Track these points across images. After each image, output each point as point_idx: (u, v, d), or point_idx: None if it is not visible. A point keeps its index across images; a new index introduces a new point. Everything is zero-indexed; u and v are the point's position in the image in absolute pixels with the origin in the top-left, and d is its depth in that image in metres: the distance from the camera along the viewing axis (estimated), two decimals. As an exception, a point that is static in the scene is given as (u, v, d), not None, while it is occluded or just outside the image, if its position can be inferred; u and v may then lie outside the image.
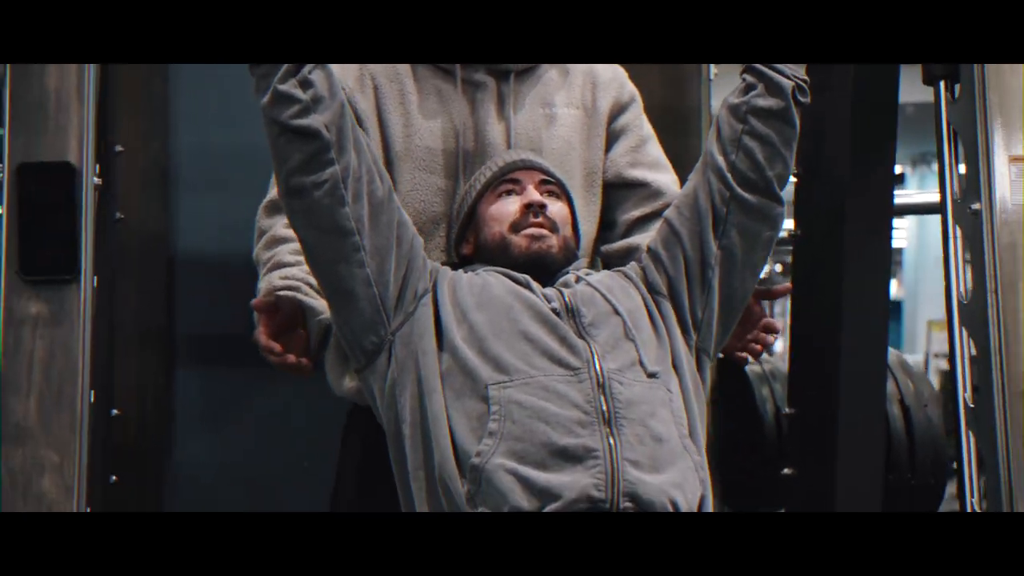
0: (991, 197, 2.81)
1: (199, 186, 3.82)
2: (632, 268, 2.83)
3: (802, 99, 2.78)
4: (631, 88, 3.24)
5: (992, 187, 2.82)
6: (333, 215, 2.59)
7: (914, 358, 14.36)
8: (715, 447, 3.88)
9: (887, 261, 3.46)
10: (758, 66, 2.77)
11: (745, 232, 2.77)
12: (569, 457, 2.42)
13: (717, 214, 2.76)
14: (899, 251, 21.88)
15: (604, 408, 2.49)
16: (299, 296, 2.89)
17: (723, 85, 4.17)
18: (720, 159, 2.77)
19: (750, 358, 3.19)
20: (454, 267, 2.88)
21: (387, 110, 3.02)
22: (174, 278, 3.80)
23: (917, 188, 17.90)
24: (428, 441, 2.54)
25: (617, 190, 3.15)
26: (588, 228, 3.10)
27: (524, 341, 2.56)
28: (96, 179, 2.51)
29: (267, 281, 2.95)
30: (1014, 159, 2.81)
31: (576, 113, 3.12)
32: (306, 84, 2.57)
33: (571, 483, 2.40)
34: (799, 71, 2.79)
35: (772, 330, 3.13)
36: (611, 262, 3.11)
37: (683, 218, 2.79)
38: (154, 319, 3.73)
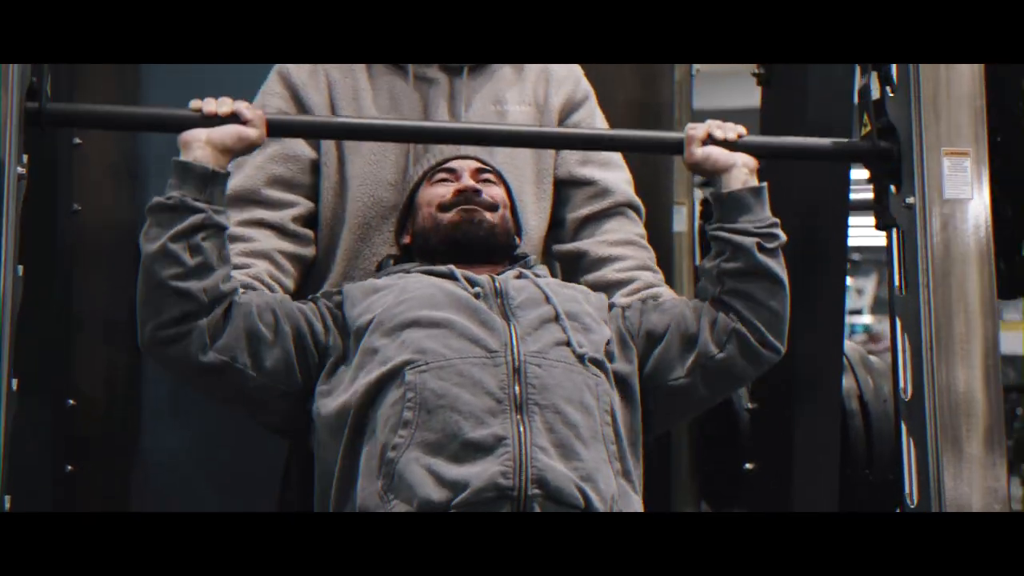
0: (924, 191, 2.80)
1: (168, 177, 3.81)
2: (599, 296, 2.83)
3: (770, 245, 2.73)
4: (585, 85, 3.24)
5: (925, 181, 2.80)
6: (200, 360, 2.58)
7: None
8: (693, 442, 3.87)
9: (843, 257, 3.45)
10: (719, 233, 2.74)
11: (728, 367, 2.75)
12: (480, 448, 2.43)
13: (717, 340, 2.74)
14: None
15: (517, 393, 2.48)
16: None
17: (705, 81, 4.17)
18: (714, 311, 2.76)
19: None
20: (396, 259, 2.90)
21: (340, 106, 3.05)
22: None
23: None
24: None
25: (567, 188, 3.16)
26: (539, 225, 3.10)
27: (443, 326, 2.56)
28: (20, 169, 2.49)
29: None
30: (948, 153, 2.79)
31: (528, 110, 3.13)
32: (196, 250, 2.55)
33: (480, 472, 2.40)
34: (763, 217, 2.74)
35: None
36: (562, 262, 3.13)
37: (683, 318, 2.77)
38: (121, 310, 3.72)
